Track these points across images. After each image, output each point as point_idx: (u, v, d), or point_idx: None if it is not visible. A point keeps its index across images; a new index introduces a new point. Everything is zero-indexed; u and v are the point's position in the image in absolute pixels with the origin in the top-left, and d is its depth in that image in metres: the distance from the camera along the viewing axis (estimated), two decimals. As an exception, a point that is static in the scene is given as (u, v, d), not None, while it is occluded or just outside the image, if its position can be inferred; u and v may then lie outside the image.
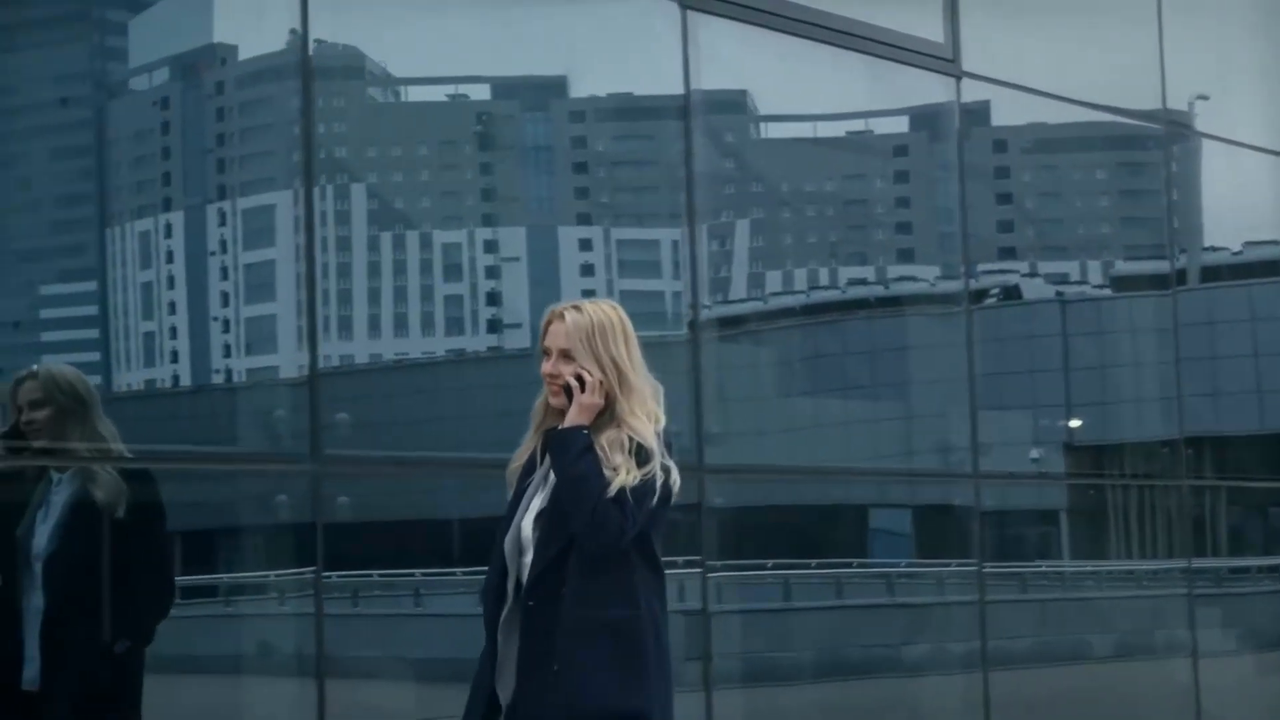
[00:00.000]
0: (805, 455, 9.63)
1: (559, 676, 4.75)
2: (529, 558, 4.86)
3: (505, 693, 4.90)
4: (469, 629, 8.74)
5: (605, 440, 4.84)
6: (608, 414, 4.88)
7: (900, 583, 10.27)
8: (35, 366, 6.45)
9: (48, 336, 7.27)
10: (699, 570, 8.71)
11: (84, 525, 6.23)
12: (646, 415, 4.91)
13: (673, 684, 5.02)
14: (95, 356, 7.25)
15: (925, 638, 10.14)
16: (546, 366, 4.90)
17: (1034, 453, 11.03)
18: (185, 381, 7.46)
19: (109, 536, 6.27)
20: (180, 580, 7.13)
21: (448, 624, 7.88)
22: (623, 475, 4.77)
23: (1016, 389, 10.89)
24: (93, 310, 7.26)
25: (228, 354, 7.55)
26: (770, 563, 9.39)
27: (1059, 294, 11.48)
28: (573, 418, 4.84)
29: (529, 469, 4.99)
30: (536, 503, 4.91)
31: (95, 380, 7.19)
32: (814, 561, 9.71)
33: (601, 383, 4.87)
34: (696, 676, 8.76)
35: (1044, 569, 11.27)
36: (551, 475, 4.90)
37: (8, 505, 6.32)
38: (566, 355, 4.88)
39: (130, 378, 7.35)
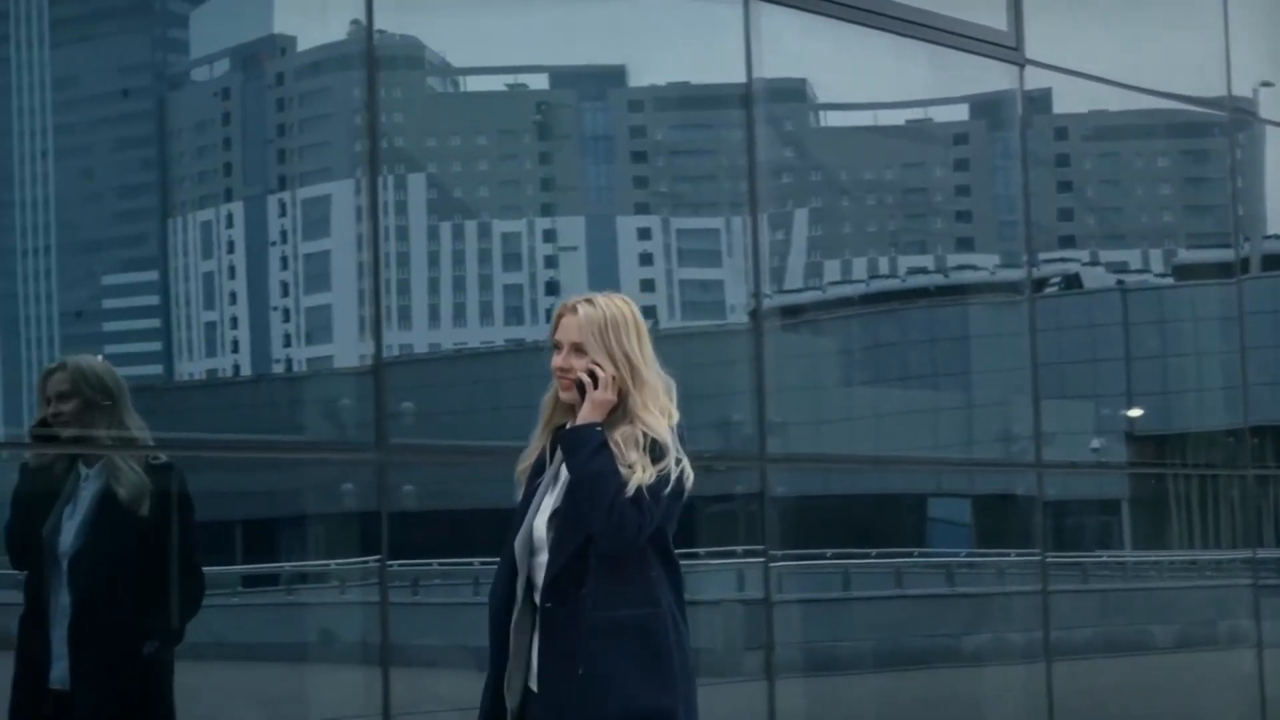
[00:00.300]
0: (865, 444, 9.60)
1: (583, 679, 4.67)
2: (542, 558, 4.77)
3: (513, 695, 4.82)
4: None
5: (619, 436, 4.74)
6: (620, 409, 4.78)
7: (960, 572, 10.23)
8: (64, 358, 6.43)
9: (110, 326, 7.31)
10: (761, 560, 8.70)
11: (110, 521, 6.17)
12: (660, 410, 4.81)
13: (695, 679, 4.94)
14: (156, 346, 7.30)
15: (986, 628, 10.11)
16: (558, 360, 4.81)
17: (1095, 442, 10.97)
18: (245, 371, 7.50)
19: (135, 532, 6.20)
20: (243, 569, 7.18)
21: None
22: (639, 473, 4.67)
23: (1077, 378, 10.84)
24: (154, 300, 7.30)
25: (287, 343, 7.58)
26: (830, 552, 9.37)
27: (1120, 282, 11.42)
28: (586, 414, 4.75)
29: (539, 468, 4.90)
30: (549, 502, 4.82)
31: (155, 370, 7.25)
32: (874, 551, 9.68)
33: (614, 378, 4.78)
34: (757, 666, 8.75)
35: (1105, 559, 11.21)
36: (563, 474, 4.80)
37: (37, 498, 6.29)
38: (578, 349, 4.78)
39: (191, 367, 7.39)
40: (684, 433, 4.89)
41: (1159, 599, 11.58)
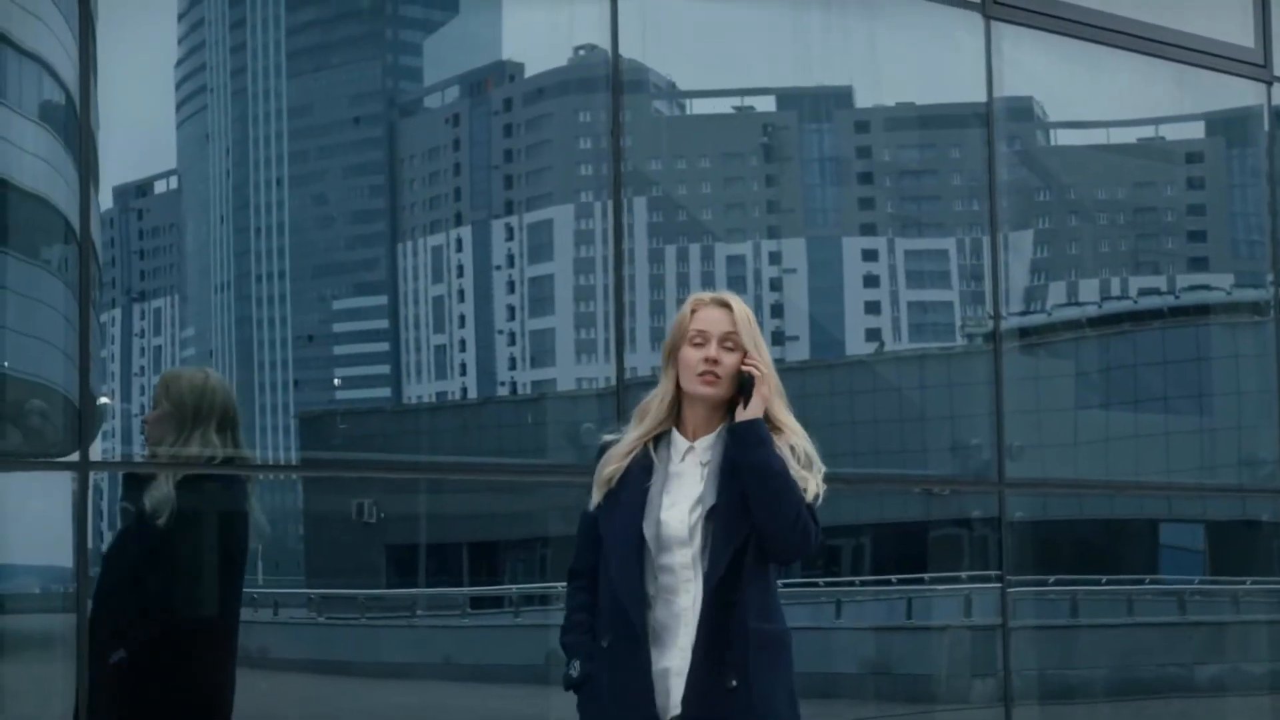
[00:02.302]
0: (1098, 469, 9.44)
1: (737, 692, 4.46)
2: (678, 555, 4.53)
3: (665, 703, 4.54)
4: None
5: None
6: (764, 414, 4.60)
7: (1193, 600, 10.00)
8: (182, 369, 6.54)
9: (340, 350, 7.45)
10: (998, 585, 8.60)
11: (137, 532, 6.17)
12: (794, 422, 4.66)
13: None
14: (385, 369, 7.42)
15: (1223, 658, 9.88)
16: (708, 352, 4.56)
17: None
18: (472, 393, 7.59)
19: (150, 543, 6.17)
20: (472, 590, 7.25)
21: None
22: (813, 485, 4.54)
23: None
24: (384, 324, 7.42)
25: (513, 366, 7.66)
26: (1052, 578, 9.22)
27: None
28: (756, 410, 4.52)
29: (644, 466, 4.61)
30: (680, 497, 4.58)
31: (384, 392, 7.37)
32: (1104, 578, 9.51)
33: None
34: (993, 692, 8.65)
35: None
36: (699, 468, 4.59)
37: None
38: (726, 345, 4.59)
39: (420, 390, 7.50)
40: None
41: None
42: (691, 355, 4.60)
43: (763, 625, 4.54)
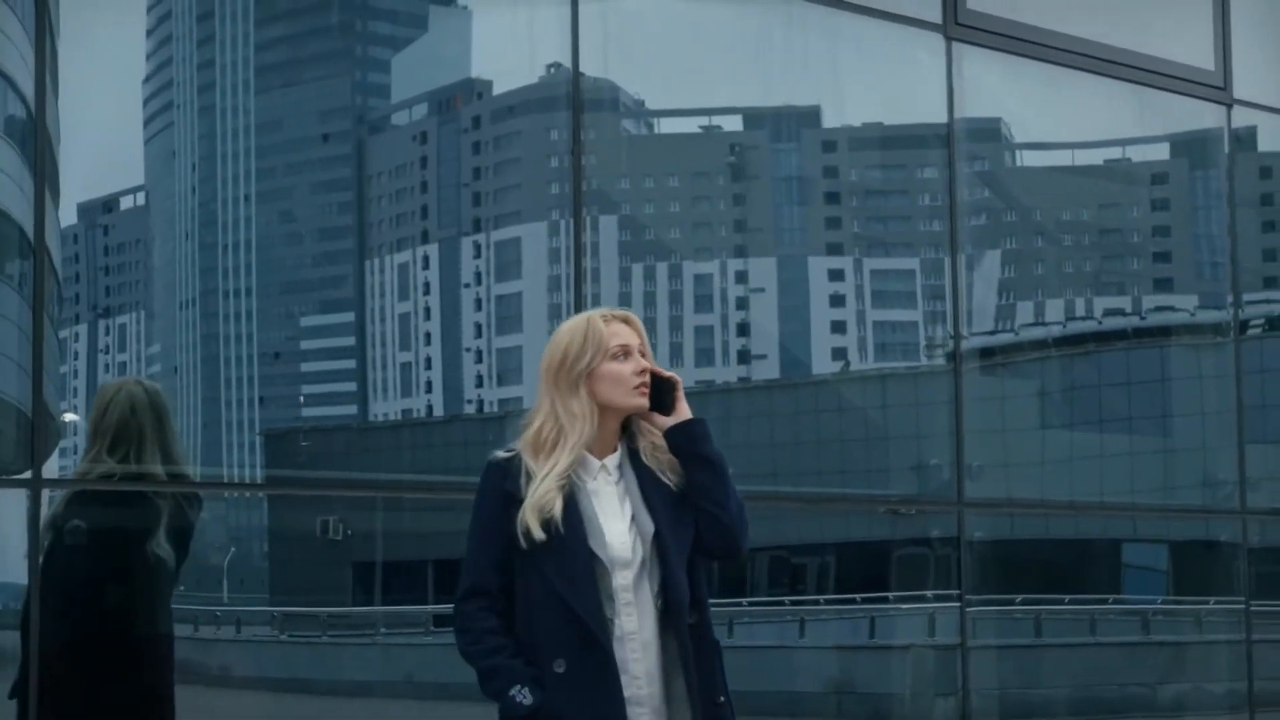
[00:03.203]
0: (1062, 488, 9.47)
1: (723, 707, 4.46)
2: (618, 580, 4.45)
3: None
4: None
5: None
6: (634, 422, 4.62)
7: (1156, 620, 10.05)
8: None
9: (306, 367, 7.44)
10: (956, 605, 8.62)
11: (34, 550, 6.21)
12: None
13: None
14: (352, 387, 7.41)
15: (1185, 677, 9.92)
16: (641, 364, 4.52)
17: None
18: (439, 411, 7.58)
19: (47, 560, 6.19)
20: (435, 608, 7.23)
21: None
22: None
23: (1280, 423, 10.61)
24: (350, 341, 7.41)
25: (479, 384, 7.65)
26: (1019, 597, 9.26)
27: (1328, 323, 11.15)
28: (687, 411, 4.54)
29: (567, 486, 4.50)
30: (620, 519, 4.52)
31: (350, 410, 7.36)
32: (1066, 597, 9.54)
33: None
34: (955, 711, 8.66)
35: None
36: (620, 489, 4.54)
37: None
38: (641, 356, 4.58)
39: (386, 407, 7.49)
40: None
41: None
42: (620, 369, 4.54)
43: (717, 637, 4.56)
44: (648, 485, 4.53)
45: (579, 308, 7.49)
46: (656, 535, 4.49)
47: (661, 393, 4.54)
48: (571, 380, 4.53)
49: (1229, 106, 10.06)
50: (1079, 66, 9.39)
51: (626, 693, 4.41)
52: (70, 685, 6.09)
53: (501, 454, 4.56)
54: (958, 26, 8.85)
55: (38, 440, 6.27)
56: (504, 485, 4.49)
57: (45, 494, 6.26)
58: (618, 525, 4.50)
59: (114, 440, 6.13)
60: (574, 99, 7.56)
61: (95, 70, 6.73)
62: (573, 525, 4.45)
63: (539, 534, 4.40)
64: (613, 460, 4.56)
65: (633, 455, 4.56)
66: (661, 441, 4.54)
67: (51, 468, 6.36)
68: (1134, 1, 9.77)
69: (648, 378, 4.54)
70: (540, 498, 4.44)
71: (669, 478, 4.52)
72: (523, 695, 4.40)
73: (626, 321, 4.60)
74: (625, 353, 4.54)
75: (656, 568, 4.48)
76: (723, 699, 4.47)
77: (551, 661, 4.41)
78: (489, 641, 4.46)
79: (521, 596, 4.47)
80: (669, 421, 4.53)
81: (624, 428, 4.57)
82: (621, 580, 4.47)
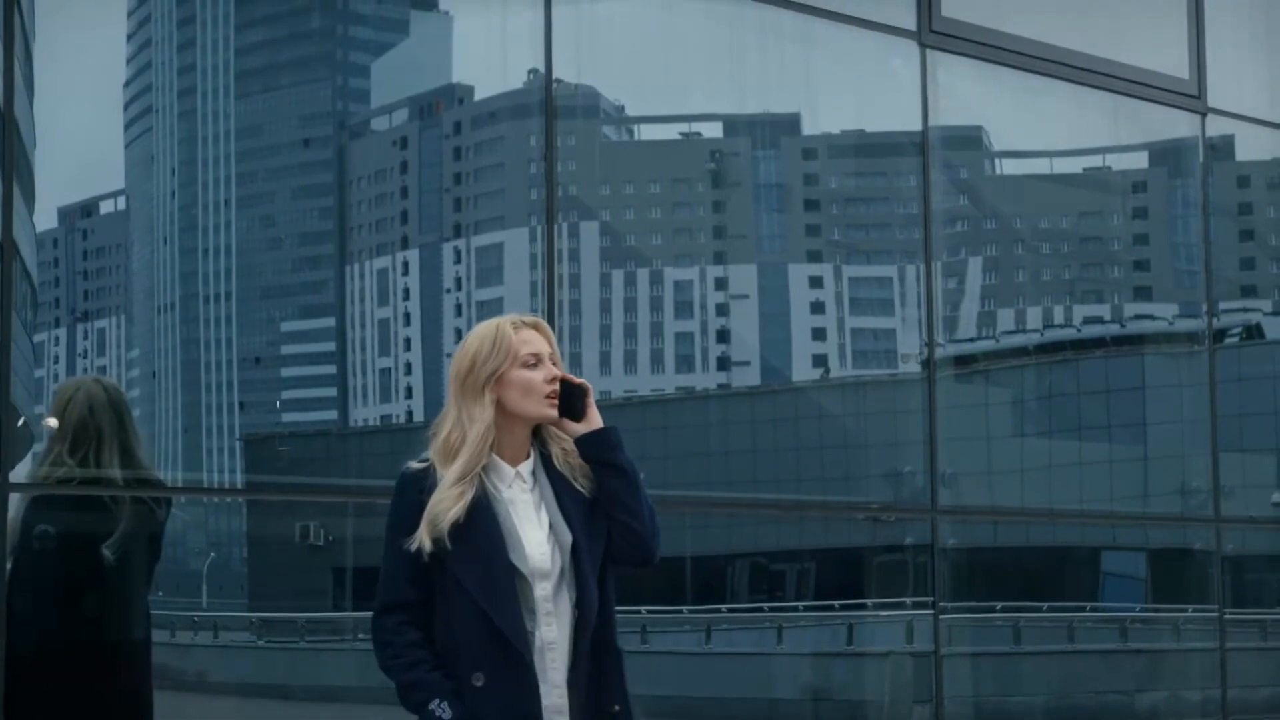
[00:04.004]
0: (1038, 497, 9.49)
1: (619, 717, 4.47)
2: (538, 590, 4.44)
3: None
4: (697, 666, 8.76)
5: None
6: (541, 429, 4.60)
7: (1134, 628, 10.08)
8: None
9: (287, 372, 7.43)
10: (930, 612, 8.63)
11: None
12: None
13: None
14: (332, 392, 7.40)
15: (1161, 685, 9.95)
16: (552, 372, 4.48)
17: (1276, 496, 10.76)
18: (418, 416, 7.57)
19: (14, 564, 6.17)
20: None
21: (679, 661, 7.90)
22: None
23: (1258, 431, 10.63)
24: (330, 346, 7.41)
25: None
26: (999, 605, 9.27)
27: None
28: (598, 418, 4.50)
29: (478, 496, 4.47)
30: (537, 529, 4.49)
31: (330, 415, 7.35)
32: (1045, 605, 9.56)
33: None
34: (931, 718, 8.69)
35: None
36: (535, 498, 4.52)
37: None
38: (552, 363, 4.56)
39: (366, 412, 7.49)
40: None
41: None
42: (530, 377, 4.49)
43: (621, 646, 4.56)
44: (562, 493, 4.50)
45: (551, 314, 7.49)
46: (574, 546, 4.47)
47: (572, 399, 4.49)
48: (478, 386, 4.49)
49: (1203, 115, 10.09)
50: (1054, 75, 9.41)
51: (546, 701, 4.40)
52: (41, 691, 6.07)
53: (415, 464, 4.50)
54: (932, 34, 8.86)
55: (5, 444, 6.20)
56: (419, 497, 4.43)
57: (13, 498, 6.19)
58: (536, 535, 4.48)
59: (74, 441, 6.10)
60: (547, 105, 7.56)
61: (75, 74, 6.71)
62: (491, 538, 4.42)
63: (428, 546, 4.36)
64: (526, 467, 4.52)
65: (544, 460, 4.53)
66: (572, 447, 4.50)
67: (21, 472, 6.30)
68: (1108, 10, 9.80)
69: (558, 386, 4.49)
70: (434, 508, 4.40)
71: (581, 484, 4.50)
72: (442, 709, 4.36)
73: (537, 328, 4.55)
74: (536, 360, 4.49)
75: (573, 577, 4.46)
76: (618, 708, 4.47)
77: (470, 674, 4.37)
78: (409, 655, 4.41)
79: (441, 609, 4.43)
80: (580, 429, 4.50)
81: (535, 432, 4.53)
82: (542, 591, 4.45)
